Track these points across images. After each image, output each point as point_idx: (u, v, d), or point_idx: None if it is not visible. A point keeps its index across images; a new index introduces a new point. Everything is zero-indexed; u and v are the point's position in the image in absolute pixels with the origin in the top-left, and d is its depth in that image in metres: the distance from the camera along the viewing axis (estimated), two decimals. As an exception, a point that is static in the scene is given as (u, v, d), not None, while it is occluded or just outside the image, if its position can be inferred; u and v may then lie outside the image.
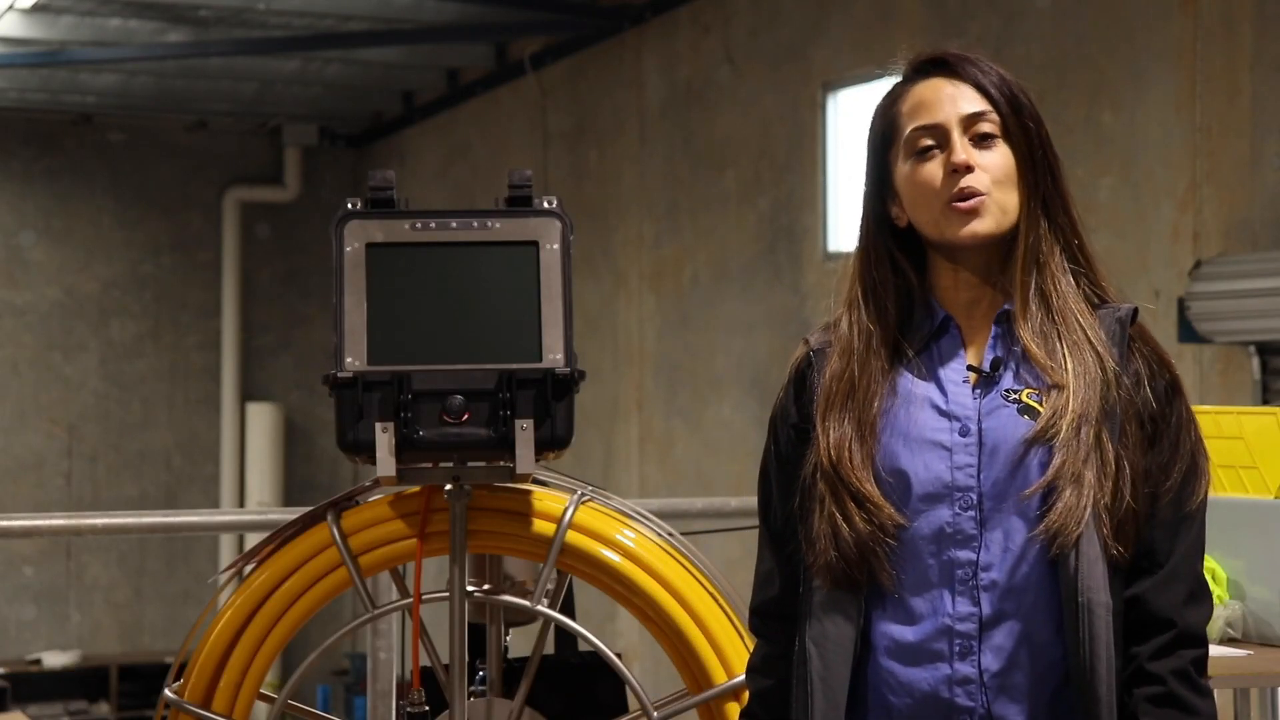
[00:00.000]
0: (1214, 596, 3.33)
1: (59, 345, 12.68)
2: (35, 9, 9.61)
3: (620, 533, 2.90)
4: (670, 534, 2.97)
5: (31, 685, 11.97)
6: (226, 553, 12.51)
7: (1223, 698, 3.96)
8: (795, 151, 8.23)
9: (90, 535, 6.00)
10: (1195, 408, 3.57)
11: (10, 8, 9.49)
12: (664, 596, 2.87)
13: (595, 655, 2.95)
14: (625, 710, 3.07)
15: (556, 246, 2.73)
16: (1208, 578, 3.35)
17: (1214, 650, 3.23)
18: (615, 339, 9.65)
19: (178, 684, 2.92)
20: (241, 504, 12.83)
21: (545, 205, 2.75)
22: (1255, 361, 5.88)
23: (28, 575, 12.59)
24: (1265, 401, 5.75)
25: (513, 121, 10.83)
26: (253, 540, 3.10)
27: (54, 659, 12.23)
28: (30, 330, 12.63)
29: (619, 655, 2.94)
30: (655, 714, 2.87)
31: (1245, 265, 5.76)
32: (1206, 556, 3.38)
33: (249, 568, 2.95)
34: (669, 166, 9.28)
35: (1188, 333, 5.91)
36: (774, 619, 2.20)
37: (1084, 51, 6.58)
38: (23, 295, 12.61)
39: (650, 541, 2.91)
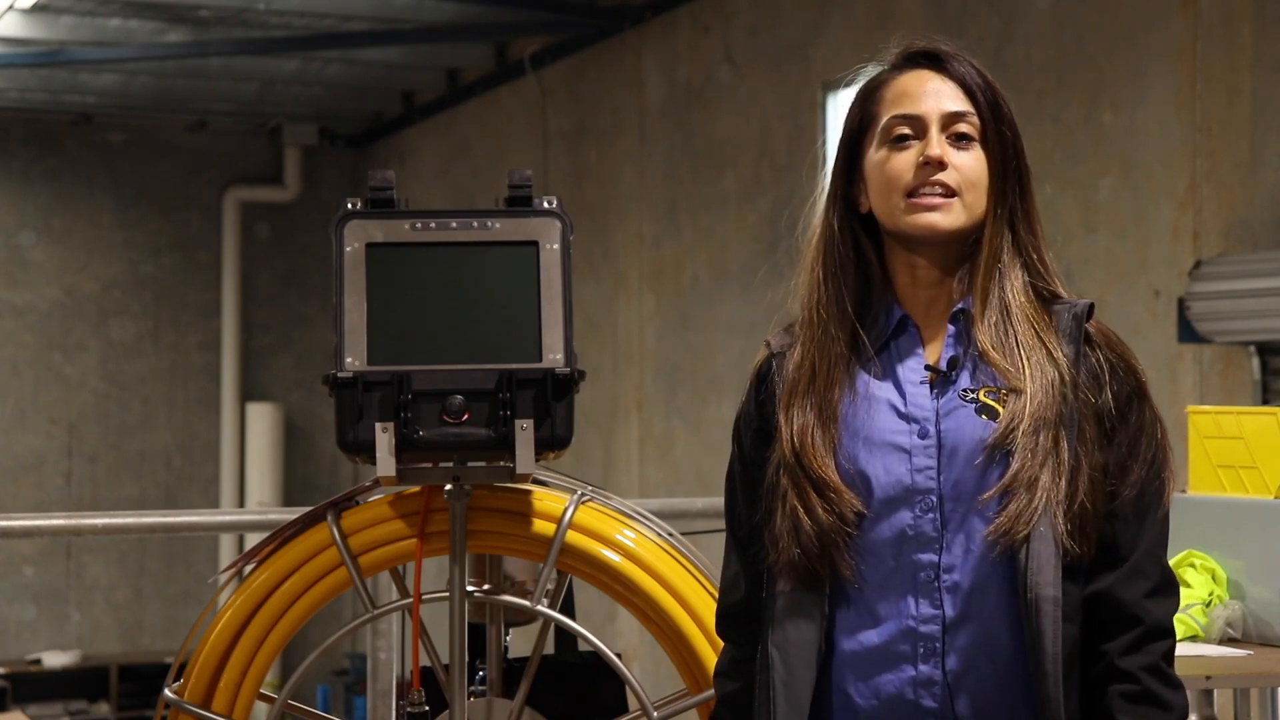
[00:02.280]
0: (1214, 596, 3.35)
1: (59, 345, 12.68)
2: (35, 9, 9.61)
3: (620, 533, 2.90)
4: (670, 534, 2.97)
5: (31, 685, 11.97)
6: (226, 553, 12.51)
7: (1223, 697, 3.96)
8: (795, 151, 8.23)
9: (90, 535, 6.00)
10: (1194, 408, 3.60)
11: (10, 8, 9.49)
12: (664, 596, 2.87)
13: (595, 655, 2.95)
14: (625, 710, 3.07)
15: (556, 246, 2.73)
16: (1207, 577, 3.37)
17: (1214, 650, 3.24)
18: (615, 339, 9.65)
19: (178, 684, 2.92)
20: (241, 504, 12.83)
21: (545, 205, 2.75)
22: (1255, 361, 5.88)
23: (28, 575, 12.59)
24: (1265, 401, 5.75)
25: (513, 121, 10.83)
26: (253, 540, 3.10)
27: (54, 659, 12.23)
28: (30, 330, 12.63)
29: (619, 655, 2.94)
30: (655, 714, 2.87)
31: (1245, 265, 5.76)
32: (1206, 556, 3.40)
33: (249, 568, 2.95)
34: (669, 166, 9.28)
35: (1188, 333, 5.91)
36: (741, 623, 2.20)
37: (1084, 51, 6.58)
38: (23, 295, 12.61)
39: (650, 541, 2.91)
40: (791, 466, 2.08)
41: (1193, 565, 3.40)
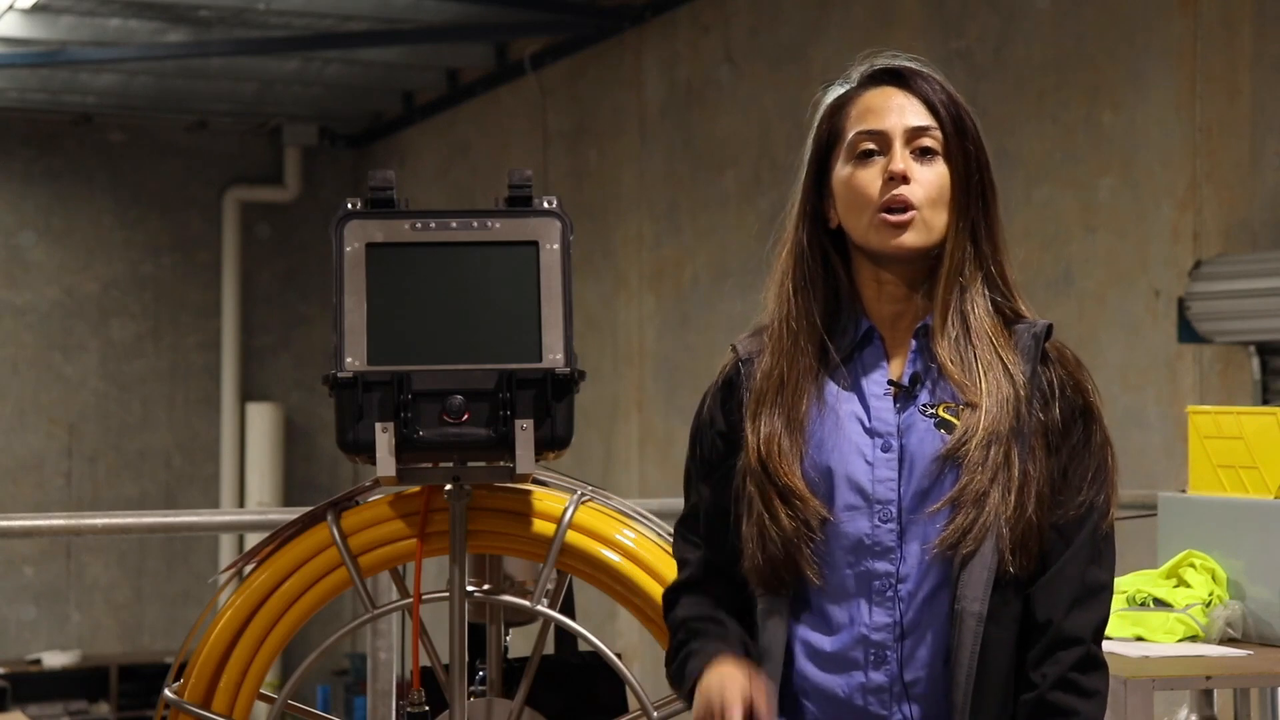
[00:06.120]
0: (1214, 596, 3.35)
1: (59, 345, 12.68)
2: (35, 9, 9.60)
3: (620, 533, 2.90)
4: (670, 534, 2.97)
5: (31, 685, 11.97)
6: (226, 553, 12.51)
7: (1223, 697, 3.96)
8: (795, 151, 8.22)
9: (90, 535, 6.00)
10: (1194, 408, 3.60)
11: (10, 8, 9.49)
12: (664, 596, 2.87)
13: (595, 655, 2.95)
14: (625, 710, 3.07)
15: (556, 246, 2.74)
16: (1207, 577, 3.36)
17: (1214, 650, 3.24)
18: (615, 339, 9.65)
19: (178, 684, 2.92)
20: (241, 504, 12.83)
21: (545, 205, 2.76)
22: (1255, 361, 5.88)
23: (28, 575, 12.58)
24: (1265, 401, 5.75)
25: (513, 121, 10.83)
26: (253, 540, 3.10)
27: (54, 659, 12.22)
28: (30, 330, 12.63)
29: (619, 655, 2.94)
30: (655, 714, 2.88)
31: (1245, 265, 5.76)
32: (1206, 556, 3.40)
33: (249, 568, 2.95)
34: (669, 166, 9.28)
35: (1188, 333, 5.90)
36: (691, 541, 2.25)
37: (1084, 51, 6.58)
38: (23, 295, 12.61)
39: (650, 541, 2.92)
40: (758, 474, 2.11)
41: (1193, 565, 3.40)
